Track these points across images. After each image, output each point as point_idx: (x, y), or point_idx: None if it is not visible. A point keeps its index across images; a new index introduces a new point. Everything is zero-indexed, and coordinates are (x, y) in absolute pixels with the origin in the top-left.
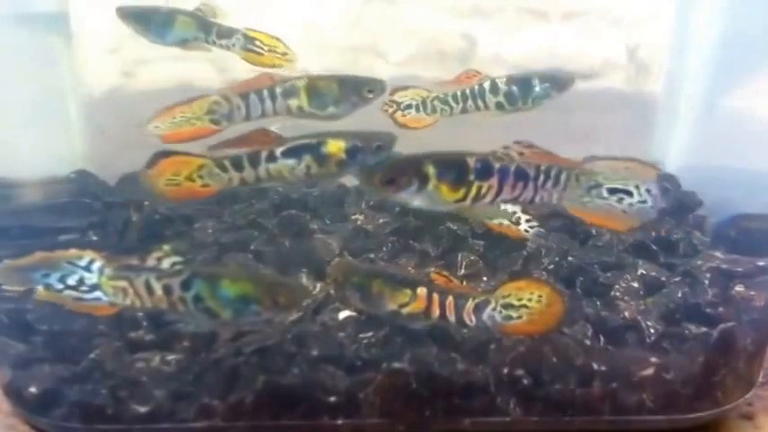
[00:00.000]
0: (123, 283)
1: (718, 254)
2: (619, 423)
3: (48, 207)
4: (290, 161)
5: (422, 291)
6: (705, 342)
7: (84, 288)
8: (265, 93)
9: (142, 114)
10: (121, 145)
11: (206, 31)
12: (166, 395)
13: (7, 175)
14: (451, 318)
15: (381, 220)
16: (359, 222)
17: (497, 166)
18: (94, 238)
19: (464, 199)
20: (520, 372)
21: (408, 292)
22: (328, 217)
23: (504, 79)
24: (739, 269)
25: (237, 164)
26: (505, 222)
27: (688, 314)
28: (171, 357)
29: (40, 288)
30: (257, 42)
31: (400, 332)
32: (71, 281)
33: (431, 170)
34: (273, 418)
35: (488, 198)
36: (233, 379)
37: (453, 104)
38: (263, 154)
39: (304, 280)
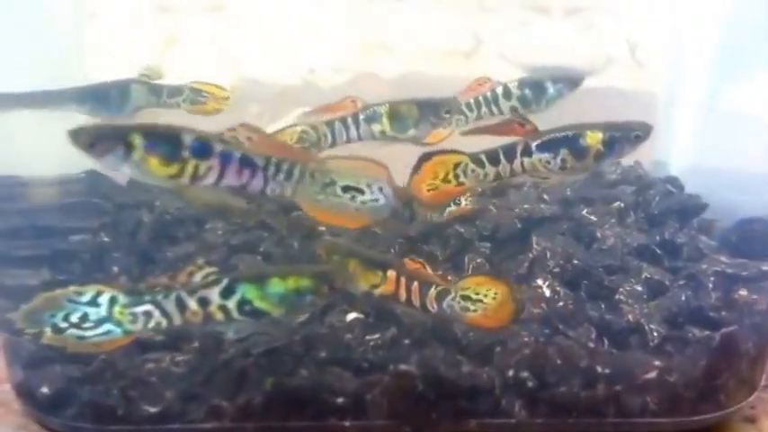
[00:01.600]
0: (147, 307)
1: (723, 258)
2: (623, 425)
3: (59, 207)
4: (546, 155)
5: (391, 274)
6: (708, 345)
7: (88, 324)
8: (349, 120)
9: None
10: None
11: (157, 94)
12: (176, 396)
13: (19, 174)
14: (416, 303)
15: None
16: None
17: (219, 148)
18: (106, 238)
19: (179, 176)
20: (525, 374)
21: (380, 273)
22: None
23: (516, 83)
24: (744, 273)
25: (494, 159)
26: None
27: (691, 317)
28: (181, 358)
29: (47, 330)
30: (203, 93)
31: (407, 334)
32: (74, 318)
33: (137, 140)
34: (282, 419)
35: (210, 179)
36: (242, 380)
37: (468, 113)
38: (519, 147)
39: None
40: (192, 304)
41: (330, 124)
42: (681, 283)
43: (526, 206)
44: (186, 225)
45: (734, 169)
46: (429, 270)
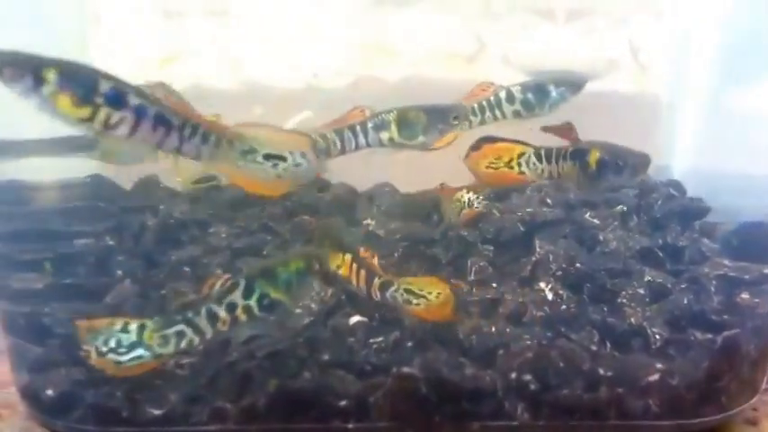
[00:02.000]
0: (178, 328)
1: (725, 261)
2: (625, 428)
3: (64, 211)
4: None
5: (347, 258)
6: (710, 348)
7: (122, 349)
8: (358, 128)
9: None
10: None
11: None
12: (180, 398)
13: (24, 178)
14: (363, 288)
15: (393, 225)
16: (370, 227)
17: (135, 101)
18: (111, 242)
19: (90, 120)
20: (527, 376)
21: (340, 255)
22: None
23: (519, 87)
24: (746, 276)
25: (548, 157)
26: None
27: (694, 321)
28: (185, 361)
29: (92, 352)
30: None
31: (410, 337)
32: (111, 343)
33: (50, 74)
34: (285, 422)
35: (122, 131)
36: (246, 382)
37: (472, 118)
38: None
39: (316, 285)
40: (222, 313)
41: (339, 132)
42: (683, 286)
43: (529, 209)
44: (190, 229)
45: (736, 172)
46: (376, 262)
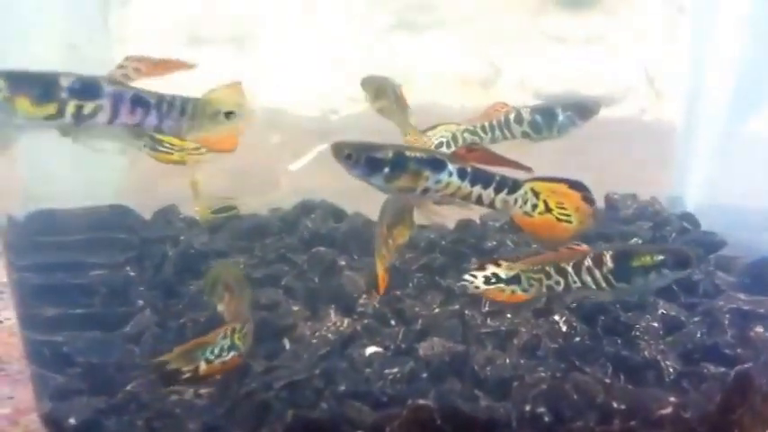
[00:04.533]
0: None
1: (739, 294)
2: None
3: (87, 242)
4: None
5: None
6: (723, 382)
7: (224, 355)
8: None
9: None
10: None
11: None
12: (199, 427)
13: (49, 207)
14: None
15: (408, 256)
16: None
17: (109, 88)
18: (131, 273)
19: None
20: (541, 409)
21: None
22: (356, 253)
23: (528, 109)
24: (760, 310)
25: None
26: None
27: (707, 354)
28: (204, 391)
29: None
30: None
31: (425, 368)
32: (217, 351)
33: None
34: None
35: (102, 119)
36: (263, 412)
37: (482, 135)
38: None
39: (332, 316)
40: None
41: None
42: (697, 319)
43: None
44: (210, 259)
45: (753, 206)
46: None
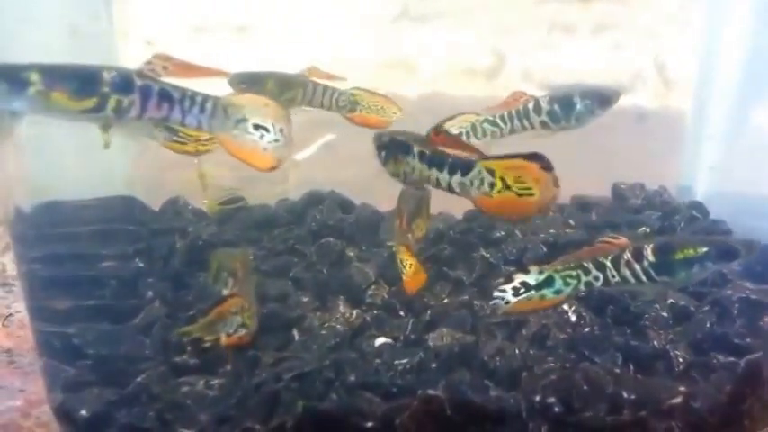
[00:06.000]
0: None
1: (747, 284)
2: None
3: (96, 233)
4: None
5: None
6: (733, 371)
7: (239, 331)
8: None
9: None
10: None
11: None
12: (210, 418)
13: (57, 198)
14: None
15: (416, 247)
16: (394, 249)
17: (139, 82)
18: (141, 264)
19: (98, 111)
20: (551, 399)
21: None
22: (364, 244)
23: (547, 98)
24: None
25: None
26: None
27: (716, 343)
28: (214, 382)
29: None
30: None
31: (435, 358)
32: (234, 327)
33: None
34: None
35: (133, 113)
36: (274, 403)
37: (502, 125)
38: None
39: (341, 307)
40: None
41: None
42: (706, 309)
43: (552, 231)
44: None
45: (761, 195)
46: None
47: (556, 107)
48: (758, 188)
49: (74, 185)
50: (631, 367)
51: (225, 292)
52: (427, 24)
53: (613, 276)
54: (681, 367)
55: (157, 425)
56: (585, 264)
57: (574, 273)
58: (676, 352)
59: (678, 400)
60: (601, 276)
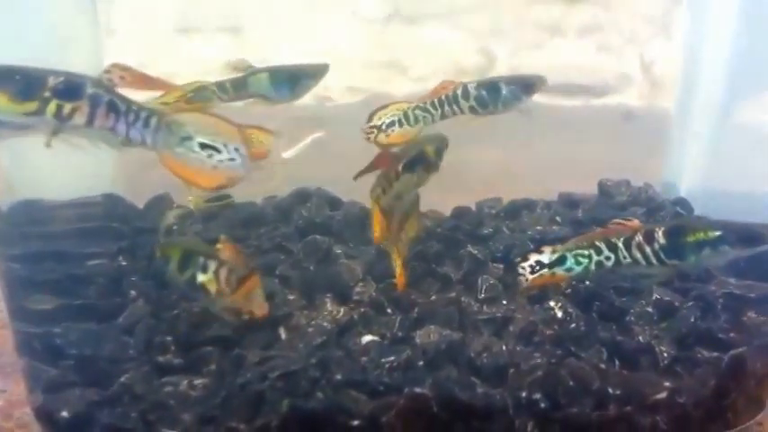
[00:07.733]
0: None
1: (731, 279)
2: None
3: (78, 231)
4: None
5: None
6: (717, 366)
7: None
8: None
9: None
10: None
11: None
12: (194, 419)
13: (39, 197)
14: None
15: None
16: (382, 246)
17: (90, 90)
18: (124, 263)
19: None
20: (538, 395)
21: None
22: (352, 241)
23: (475, 84)
24: (752, 295)
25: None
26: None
27: (701, 339)
28: (198, 381)
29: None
30: None
31: (421, 356)
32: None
33: None
34: None
35: (78, 120)
36: (259, 403)
37: (433, 111)
38: None
39: (328, 305)
40: None
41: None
42: (690, 304)
43: (539, 227)
44: None
45: (745, 191)
46: None
47: (483, 93)
48: (741, 185)
49: (57, 184)
50: (617, 363)
51: (201, 277)
52: (418, 25)
53: (625, 258)
54: (666, 362)
55: (140, 425)
56: (598, 243)
57: (586, 252)
58: (661, 347)
59: (663, 395)
60: (612, 257)
